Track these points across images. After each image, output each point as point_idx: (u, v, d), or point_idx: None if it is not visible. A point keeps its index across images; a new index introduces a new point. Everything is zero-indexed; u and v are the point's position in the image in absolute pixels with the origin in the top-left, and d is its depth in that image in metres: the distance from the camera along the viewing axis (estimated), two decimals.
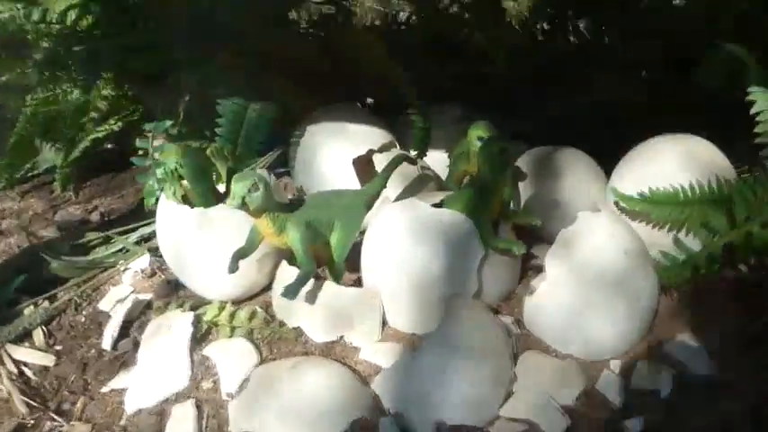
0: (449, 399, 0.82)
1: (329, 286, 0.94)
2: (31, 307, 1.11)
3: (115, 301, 1.10)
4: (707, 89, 1.20)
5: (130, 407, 0.90)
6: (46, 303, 1.13)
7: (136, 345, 0.99)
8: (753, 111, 0.95)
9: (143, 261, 1.17)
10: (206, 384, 0.90)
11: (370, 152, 1.16)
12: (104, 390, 0.95)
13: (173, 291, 1.09)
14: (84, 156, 1.48)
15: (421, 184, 1.16)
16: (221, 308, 0.99)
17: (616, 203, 1.02)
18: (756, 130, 0.95)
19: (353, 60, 1.21)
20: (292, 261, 0.96)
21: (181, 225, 1.00)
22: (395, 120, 1.27)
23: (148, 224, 1.23)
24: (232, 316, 0.98)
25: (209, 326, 0.98)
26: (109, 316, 1.08)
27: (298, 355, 0.92)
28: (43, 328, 1.07)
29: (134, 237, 1.23)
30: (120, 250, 1.21)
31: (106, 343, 1.01)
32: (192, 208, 1.00)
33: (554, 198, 1.07)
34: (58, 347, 1.04)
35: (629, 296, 0.90)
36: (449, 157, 1.18)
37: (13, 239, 1.35)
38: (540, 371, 0.87)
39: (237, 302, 1.03)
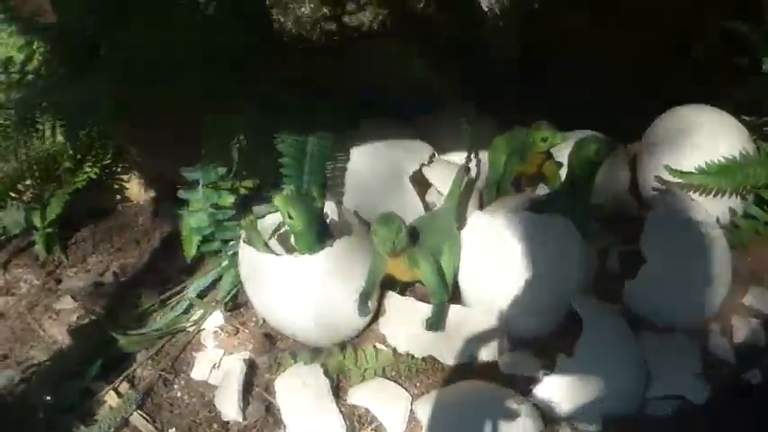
0: (608, 395, 0.93)
1: (453, 311, 1.02)
2: (112, 393, 1.09)
3: (210, 367, 1.10)
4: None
5: None
6: (125, 385, 1.11)
7: (268, 409, 1.01)
8: None
9: (216, 318, 1.17)
10: None
11: (422, 166, 1.24)
12: None
13: (272, 344, 1.11)
14: (64, 211, 1.42)
15: (470, 190, 1.25)
16: (342, 353, 1.04)
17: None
18: None
19: (381, 73, 1.24)
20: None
21: (280, 275, 1.02)
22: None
23: (198, 278, 1.23)
24: (356, 358, 1.03)
25: (337, 373, 1.02)
26: (209, 385, 1.08)
27: (440, 383, 0.99)
28: (140, 412, 1.06)
29: (191, 294, 1.21)
30: (186, 312, 1.20)
31: (232, 413, 1.01)
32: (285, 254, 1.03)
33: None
34: (170, 431, 1.04)
35: (715, 263, 1.05)
36: (490, 157, 1.28)
37: (15, 322, 1.28)
38: (660, 349, 1.01)
39: (349, 343, 1.07)
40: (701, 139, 1.17)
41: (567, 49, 1.36)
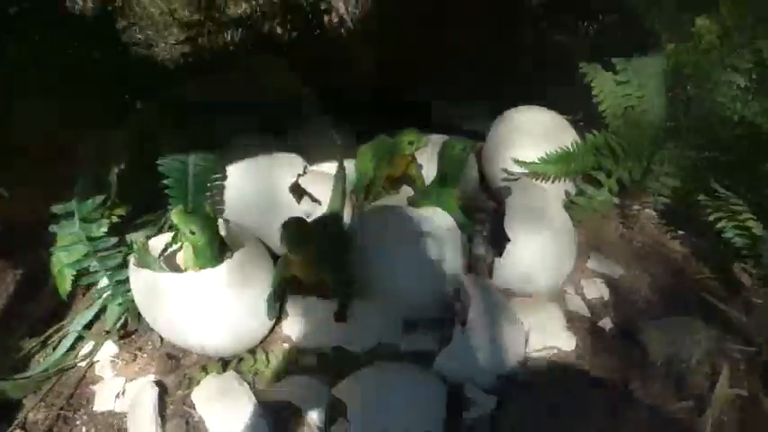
0: (499, 355, 1.09)
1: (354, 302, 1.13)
2: None
3: (113, 396, 1.09)
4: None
5: None
6: None
7: (188, 423, 1.03)
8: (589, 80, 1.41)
9: (109, 349, 1.16)
10: None
11: (298, 176, 1.33)
12: None
13: (177, 363, 1.13)
14: None
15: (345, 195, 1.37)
16: (253, 357, 1.10)
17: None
18: (594, 95, 1.41)
19: (253, 89, 1.33)
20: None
21: (185, 292, 1.05)
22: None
23: (80, 312, 1.21)
24: (268, 360, 1.10)
25: (252, 377, 1.08)
26: (116, 413, 1.07)
27: (351, 370, 1.09)
28: None
29: (76, 327, 1.19)
30: (72, 348, 1.17)
31: None
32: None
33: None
34: None
35: (564, 237, 1.27)
36: (357, 164, 1.40)
37: None
38: (531, 312, 1.19)
39: (258, 348, 1.13)
40: (538, 134, 1.39)
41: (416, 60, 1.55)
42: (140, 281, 1.08)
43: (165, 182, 1.17)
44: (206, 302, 1.04)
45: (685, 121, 1.41)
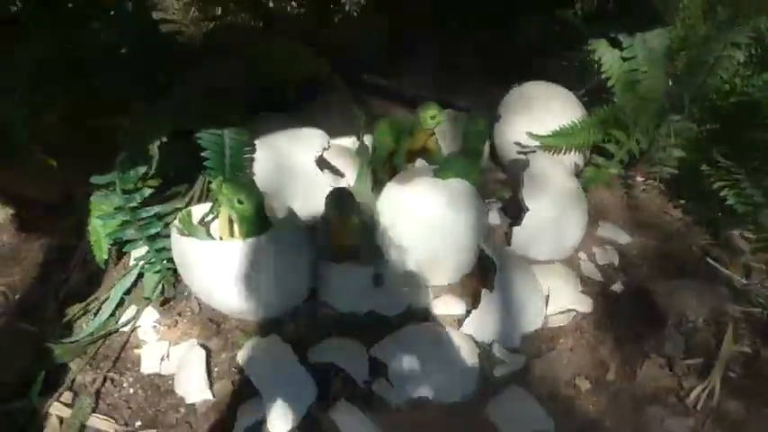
0: (522, 316, 1.17)
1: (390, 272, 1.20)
2: (57, 405, 1.09)
3: (158, 359, 1.15)
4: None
5: None
6: (67, 395, 1.11)
7: (234, 384, 1.10)
8: (597, 57, 1.47)
9: (150, 314, 1.21)
10: None
11: (323, 150, 1.39)
12: None
13: (218, 327, 1.19)
14: None
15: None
16: (294, 321, 1.17)
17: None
18: (603, 71, 1.48)
19: (277, 70, 1.37)
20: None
21: (233, 259, 1.10)
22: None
23: (119, 279, 1.26)
24: (307, 323, 1.17)
25: (293, 339, 1.14)
26: (162, 376, 1.13)
27: (386, 332, 1.16)
28: (96, 415, 1.08)
29: (117, 294, 1.24)
30: (113, 314, 1.22)
31: (198, 394, 1.08)
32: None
33: None
34: (142, 423, 1.08)
35: (577, 206, 1.34)
36: (376, 138, 1.46)
37: None
38: (550, 276, 1.27)
39: (297, 312, 1.20)
40: (548, 108, 1.46)
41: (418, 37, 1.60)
42: (185, 249, 1.12)
43: (203, 154, 1.21)
44: (253, 269, 1.09)
45: (688, 94, 1.49)
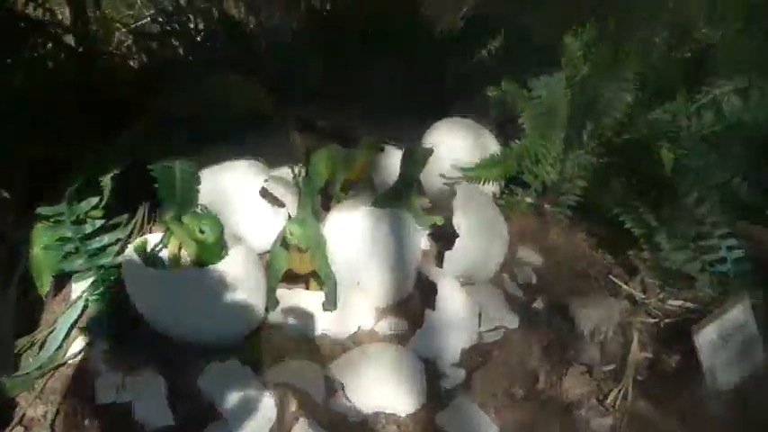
0: (460, 333, 1.29)
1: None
2: None
3: (114, 389, 1.16)
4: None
5: None
6: (18, 430, 1.10)
7: (195, 407, 1.13)
8: (509, 97, 1.64)
9: (100, 345, 1.22)
10: None
11: (266, 182, 1.45)
12: None
13: (173, 353, 1.21)
14: None
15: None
16: (251, 344, 1.22)
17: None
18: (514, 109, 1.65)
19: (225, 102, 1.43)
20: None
21: (195, 287, 1.15)
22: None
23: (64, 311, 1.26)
24: (263, 347, 1.22)
25: (251, 362, 1.19)
26: (119, 404, 1.14)
27: (339, 353, 1.24)
28: None
29: (64, 325, 1.23)
30: (61, 347, 1.21)
31: (160, 420, 1.11)
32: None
33: None
34: None
35: (499, 231, 1.49)
36: (307, 169, 1.54)
37: None
38: (480, 295, 1.40)
39: (253, 335, 1.25)
40: (466, 143, 1.61)
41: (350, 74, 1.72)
42: (141, 278, 1.15)
43: (156, 185, 1.24)
44: (211, 295, 1.14)
45: (586, 131, 1.68)
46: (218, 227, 1.15)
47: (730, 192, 1.47)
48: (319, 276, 1.27)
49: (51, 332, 1.23)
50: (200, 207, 1.28)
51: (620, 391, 1.26)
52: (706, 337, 1.27)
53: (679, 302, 1.45)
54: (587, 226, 1.66)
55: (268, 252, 1.35)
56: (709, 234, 1.45)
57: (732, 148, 1.51)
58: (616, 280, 1.51)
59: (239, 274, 1.17)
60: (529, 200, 1.60)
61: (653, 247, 1.51)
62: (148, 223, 1.41)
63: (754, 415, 1.23)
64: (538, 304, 1.43)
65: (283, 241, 1.22)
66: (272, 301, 1.24)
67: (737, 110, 1.55)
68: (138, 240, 1.21)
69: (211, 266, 1.14)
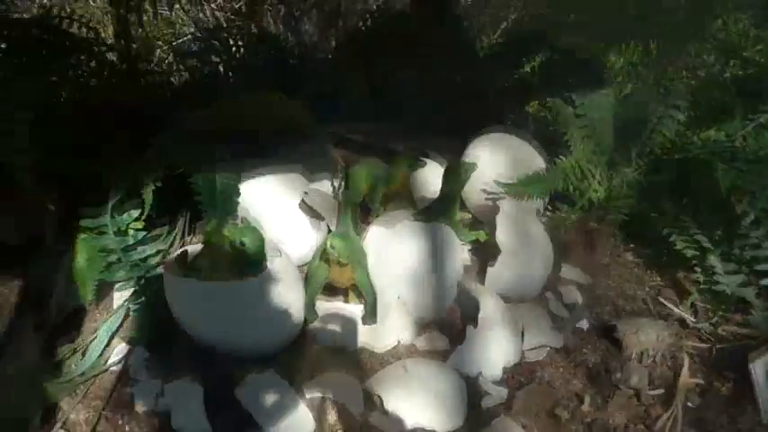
0: (503, 351, 1.26)
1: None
2: None
3: (152, 397, 1.16)
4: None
5: None
6: None
7: (234, 418, 1.12)
8: (554, 114, 1.62)
9: (140, 352, 1.23)
10: None
11: (306, 195, 1.45)
12: None
13: (212, 363, 1.21)
14: None
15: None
16: (288, 356, 1.21)
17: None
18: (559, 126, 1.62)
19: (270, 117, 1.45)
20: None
21: (238, 298, 1.15)
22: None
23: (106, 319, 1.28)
24: (303, 359, 1.21)
25: (289, 375, 1.18)
26: (157, 413, 1.15)
27: (378, 367, 1.23)
28: None
29: (105, 333, 1.25)
30: (101, 353, 1.23)
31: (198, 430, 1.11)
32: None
33: None
34: None
35: (545, 248, 1.46)
36: (347, 183, 1.54)
37: None
38: (523, 314, 1.37)
39: (291, 348, 1.24)
40: (511, 157, 1.59)
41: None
42: (182, 289, 1.16)
43: (197, 197, 1.26)
44: (250, 308, 1.14)
45: (634, 150, 1.65)
46: (259, 239, 1.15)
47: None
48: (359, 290, 1.26)
49: (93, 340, 1.24)
50: (240, 219, 1.28)
51: (669, 417, 1.21)
52: (763, 366, 1.22)
53: (732, 328, 1.39)
54: (635, 246, 1.61)
55: (307, 264, 1.35)
56: (766, 258, 1.40)
57: None
58: (666, 302, 1.46)
59: (279, 285, 1.16)
60: (574, 217, 1.56)
61: (705, 270, 1.46)
62: (189, 235, 1.43)
63: None
64: (583, 324, 1.39)
65: (324, 254, 1.22)
66: (311, 314, 1.23)
67: None
68: (180, 251, 1.22)
69: (251, 278, 1.14)
